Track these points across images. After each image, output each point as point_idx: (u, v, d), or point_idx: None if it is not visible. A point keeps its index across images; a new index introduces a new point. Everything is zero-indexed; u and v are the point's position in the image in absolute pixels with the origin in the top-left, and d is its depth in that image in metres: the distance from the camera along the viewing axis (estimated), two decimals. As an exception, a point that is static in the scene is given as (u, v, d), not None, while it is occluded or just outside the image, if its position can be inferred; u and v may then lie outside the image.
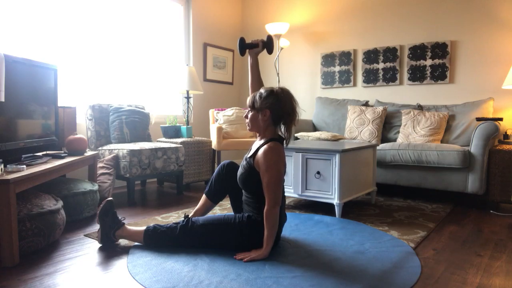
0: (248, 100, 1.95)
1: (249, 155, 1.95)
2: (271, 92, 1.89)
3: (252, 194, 1.93)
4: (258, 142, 1.97)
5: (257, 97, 1.91)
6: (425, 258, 1.91)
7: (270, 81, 5.11)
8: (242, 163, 1.97)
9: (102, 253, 1.95)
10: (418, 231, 2.34)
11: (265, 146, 1.86)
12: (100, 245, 2.05)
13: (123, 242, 2.09)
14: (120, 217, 2.05)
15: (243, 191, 2.01)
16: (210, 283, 1.57)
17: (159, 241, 1.97)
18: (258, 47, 2.13)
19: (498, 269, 1.79)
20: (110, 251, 1.98)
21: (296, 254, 1.92)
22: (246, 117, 1.96)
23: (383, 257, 1.89)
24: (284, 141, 1.95)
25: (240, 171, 1.97)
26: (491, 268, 1.81)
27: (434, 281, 1.64)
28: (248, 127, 1.97)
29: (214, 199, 2.18)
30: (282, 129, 1.95)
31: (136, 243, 2.04)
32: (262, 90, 1.92)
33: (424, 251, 2.02)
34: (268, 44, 2.12)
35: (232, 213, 2.04)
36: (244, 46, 2.14)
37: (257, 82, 2.16)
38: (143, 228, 2.00)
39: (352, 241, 2.14)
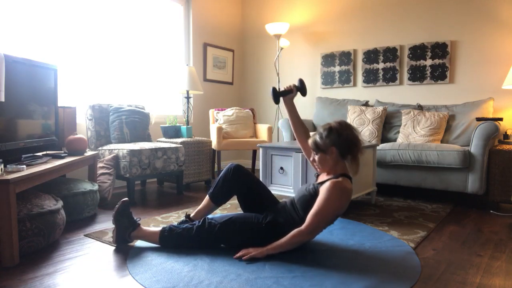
0: (310, 143, 1.94)
1: (317, 182, 1.95)
2: (331, 129, 1.89)
3: (304, 213, 1.90)
4: (327, 176, 1.94)
5: (318, 139, 1.91)
6: (425, 258, 1.91)
7: (270, 81, 5.11)
8: (308, 187, 1.95)
9: (102, 253, 1.95)
10: (418, 231, 2.34)
11: (337, 179, 1.84)
12: (115, 246, 2.03)
13: (123, 242, 2.09)
14: (135, 218, 2.03)
15: (294, 201, 2.00)
16: (210, 283, 1.57)
17: (175, 242, 1.95)
18: (292, 92, 2.15)
19: (498, 269, 1.79)
20: (110, 251, 1.98)
21: (296, 254, 1.92)
22: (314, 161, 1.96)
23: (383, 257, 1.89)
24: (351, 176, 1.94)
25: (303, 192, 1.96)
26: (491, 268, 1.81)
27: (434, 281, 1.64)
28: (318, 170, 1.97)
29: (217, 202, 2.16)
30: (349, 160, 1.92)
31: (137, 244, 2.05)
32: (321, 130, 1.92)
33: (424, 251, 2.02)
34: (301, 88, 2.15)
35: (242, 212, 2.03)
36: (278, 95, 2.16)
37: (301, 125, 2.17)
38: (159, 229, 1.98)
39: (352, 241, 2.14)
